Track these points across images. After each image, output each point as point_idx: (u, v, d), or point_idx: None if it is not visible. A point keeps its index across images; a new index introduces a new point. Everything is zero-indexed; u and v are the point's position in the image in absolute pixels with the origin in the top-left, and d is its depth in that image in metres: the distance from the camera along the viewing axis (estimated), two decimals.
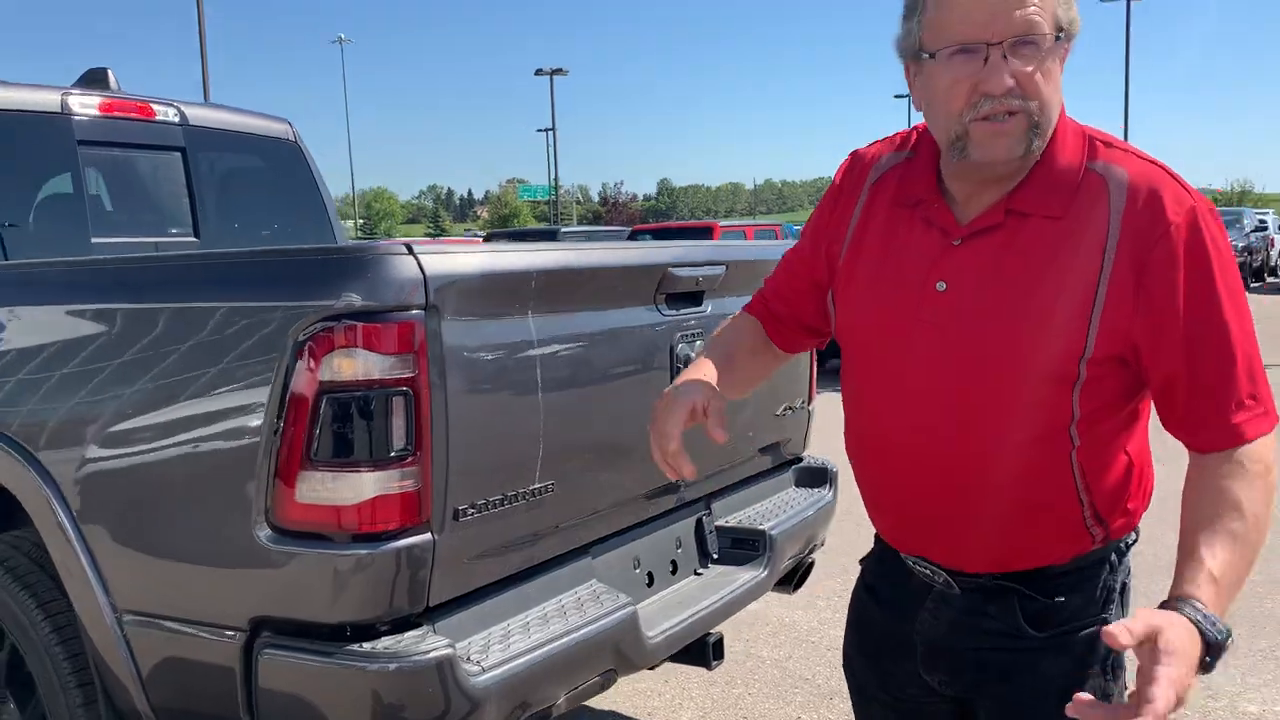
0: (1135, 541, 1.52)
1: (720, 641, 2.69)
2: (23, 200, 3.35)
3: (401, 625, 1.95)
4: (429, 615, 2.00)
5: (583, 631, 2.16)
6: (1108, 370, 1.34)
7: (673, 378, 2.50)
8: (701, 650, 2.64)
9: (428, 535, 1.92)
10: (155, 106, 3.69)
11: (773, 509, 3.05)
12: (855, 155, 1.58)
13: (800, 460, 3.35)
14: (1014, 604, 1.45)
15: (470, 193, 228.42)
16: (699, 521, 2.85)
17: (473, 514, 2.00)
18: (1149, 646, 1.09)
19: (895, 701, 1.63)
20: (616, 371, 2.38)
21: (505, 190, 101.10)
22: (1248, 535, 1.26)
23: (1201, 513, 1.29)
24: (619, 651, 2.27)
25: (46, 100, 3.38)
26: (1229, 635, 1.19)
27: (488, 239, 20.90)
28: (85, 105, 3.46)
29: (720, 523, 2.92)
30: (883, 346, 1.46)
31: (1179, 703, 1.08)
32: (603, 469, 2.36)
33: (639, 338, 2.44)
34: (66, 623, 2.18)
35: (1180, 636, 1.12)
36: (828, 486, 3.29)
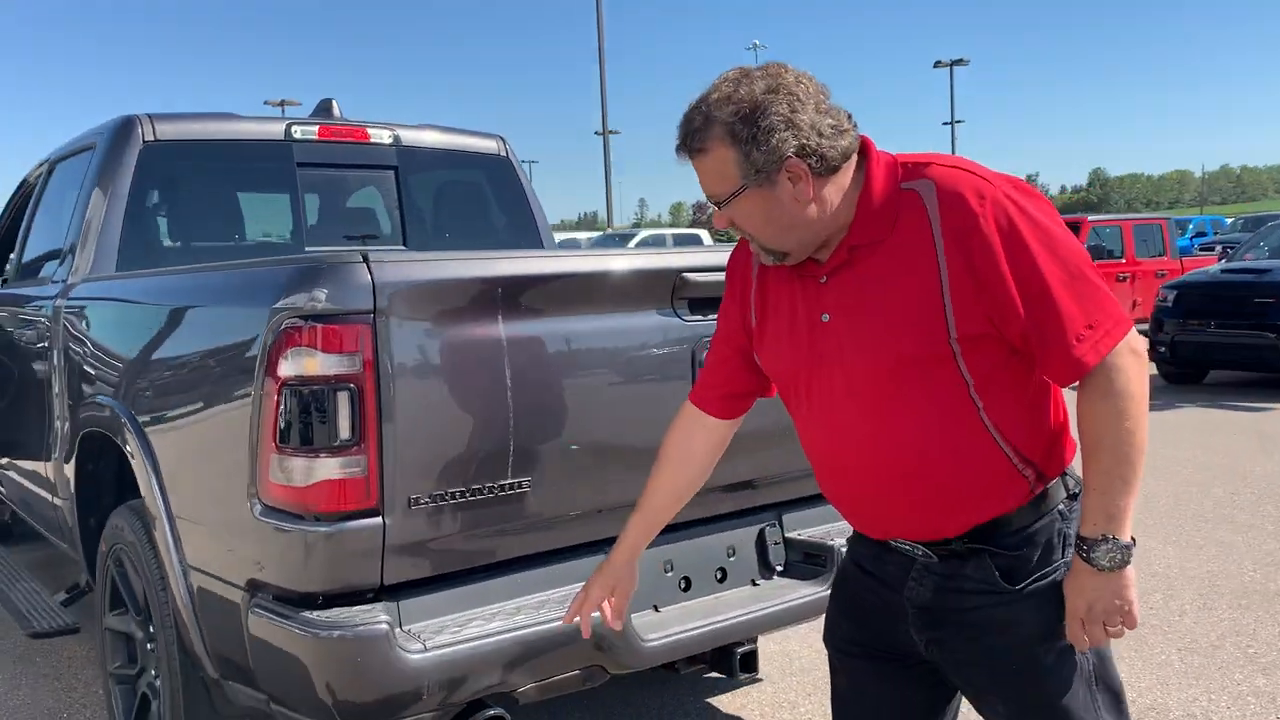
0: (1079, 488, 1.64)
1: (753, 654, 2.64)
2: (245, 216, 3.97)
3: (359, 599, 2.15)
4: (394, 593, 2.19)
5: (547, 627, 2.24)
6: (978, 343, 1.55)
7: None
8: (727, 661, 2.60)
9: (378, 519, 2.11)
10: (371, 131, 4.20)
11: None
12: (739, 244, 1.85)
13: None
14: (986, 561, 1.64)
15: None
16: (761, 532, 2.79)
17: (428, 503, 2.16)
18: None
19: (877, 656, 1.80)
20: (615, 376, 2.42)
21: None
22: (1115, 450, 1.52)
23: (1082, 449, 1.56)
24: (601, 650, 2.32)
25: (273, 130, 3.97)
26: (1094, 544, 1.53)
27: None
28: (306, 132, 4.03)
29: (793, 535, 2.84)
30: (799, 378, 1.71)
31: (1110, 609, 1.54)
32: (603, 470, 2.41)
33: (647, 342, 2.46)
34: (161, 575, 2.62)
35: (1067, 584, 1.58)
36: None
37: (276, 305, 2.12)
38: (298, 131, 4.01)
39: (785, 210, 1.57)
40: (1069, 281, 1.51)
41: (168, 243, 3.78)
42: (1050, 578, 1.63)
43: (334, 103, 4.30)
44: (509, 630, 2.21)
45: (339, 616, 2.10)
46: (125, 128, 3.70)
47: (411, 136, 4.32)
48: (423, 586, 2.23)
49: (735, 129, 1.52)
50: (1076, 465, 1.64)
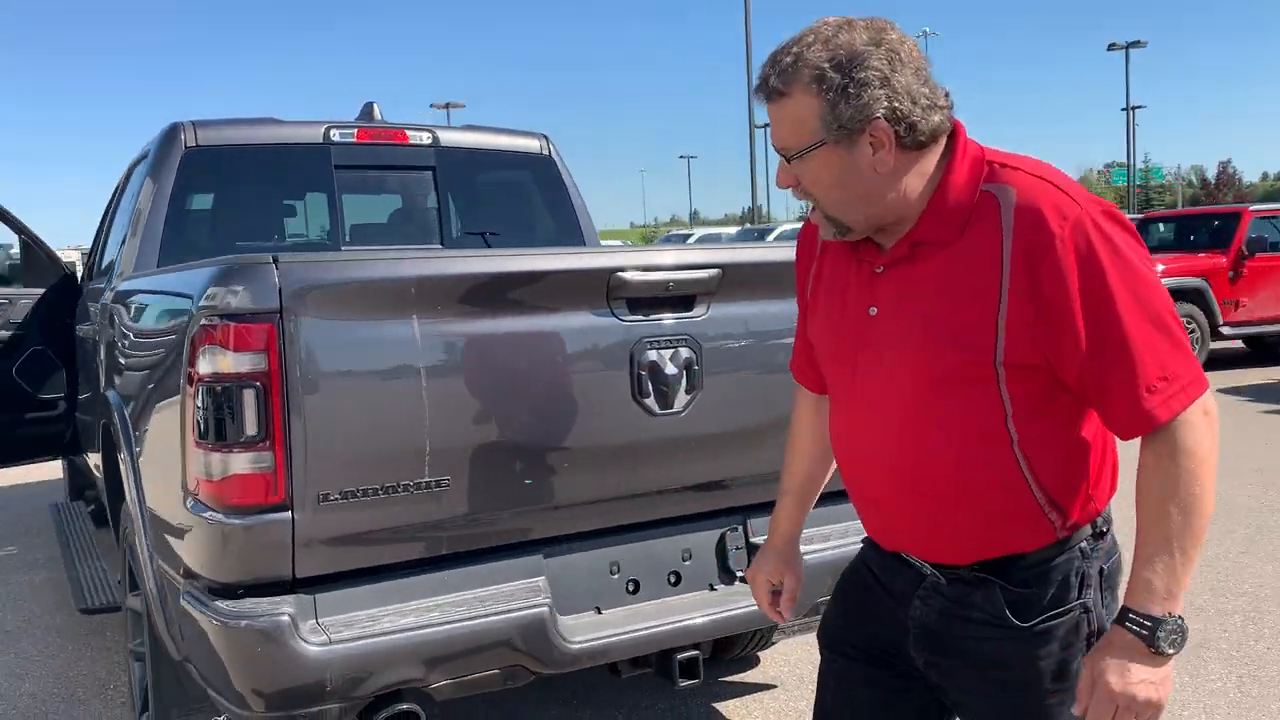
0: (1107, 526, 1.58)
1: (694, 661, 2.57)
2: (284, 218, 4.13)
3: (275, 591, 2.21)
4: (310, 586, 2.24)
5: (459, 625, 2.25)
6: (1028, 371, 1.44)
7: (634, 386, 2.46)
8: (667, 666, 2.55)
9: (286, 514, 2.17)
10: (410, 133, 4.30)
11: (828, 534, 2.80)
12: (807, 224, 1.75)
13: None
14: (996, 594, 1.54)
15: None
16: (723, 536, 2.73)
17: (339, 499, 2.20)
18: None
19: (872, 662, 1.72)
20: (544, 376, 2.40)
21: (1092, 175, 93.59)
22: (1182, 517, 1.39)
23: (1140, 510, 1.42)
24: (519, 650, 2.31)
25: (311, 134, 4.12)
26: (1159, 623, 1.38)
27: None
28: (344, 135, 4.16)
29: (758, 540, 2.76)
30: (840, 366, 1.64)
31: (1151, 701, 1.38)
32: (526, 471, 2.40)
33: (579, 343, 2.43)
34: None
35: (1106, 661, 1.40)
36: None
37: (198, 304, 2.21)
38: (336, 135, 4.14)
39: (860, 177, 1.46)
40: (1147, 325, 1.39)
41: (207, 243, 3.97)
42: (1063, 619, 1.52)
43: (375, 106, 4.43)
44: (419, 627, 2.24)
45: (246, 607, 2.17)
46: (170, 134, 3.91)
47: (451, 137, 4.40)
48: (340, 581, 2.27)
49: (826, 76, 1.40)
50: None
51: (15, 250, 5.33)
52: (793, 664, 3.86)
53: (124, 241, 3.92)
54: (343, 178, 4.18)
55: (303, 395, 2.15)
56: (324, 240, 4.23)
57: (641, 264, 2.45)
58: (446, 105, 46.27)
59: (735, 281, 2.58)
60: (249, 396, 2.12)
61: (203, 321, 2.17)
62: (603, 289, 2.43)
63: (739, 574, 2.72)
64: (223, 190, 4.05)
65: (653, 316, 2.50)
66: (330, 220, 4.20)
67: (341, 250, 4.13)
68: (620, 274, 2.42)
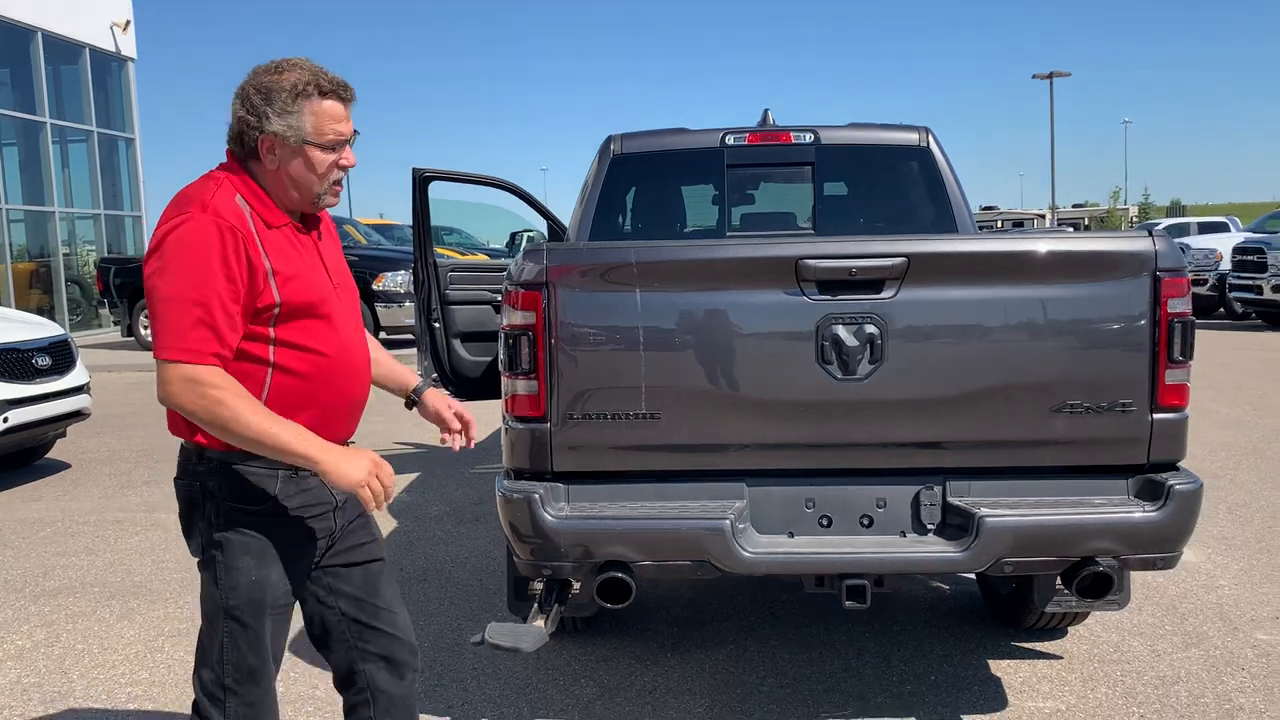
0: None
1: (862, 589, 3.03)
2: (685, 212, 5.07)
3: (538, 478, 3.15)
4: (566, 480, 3.14)
5: (664, 522, 3.01)
6: None
7: (820, 355, 3.00)
8: (851, 590, 3.04)
9: (546, 425, 3.10)
10: (794, 134, 5.00)
11: (1024, 503, 3.06)
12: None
13: (1146, 468, 3.10)
14: None
15: None
16: (918, 493, 3.13)
17: (581, 419, 3.08)
18: None
19: None
20: (733, 341, 3.03)
21: None
22: None
23: None
24: (706, 549, 3.00)
25: (710, 140, 5.01)
26: None
27: None
28: (737, 139, 4.99)
29: (957, 500, 3.11)
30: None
31: None
32: (727, 413, 3.05)
33: (768, 317, 3.02)
34: None
35: None
36: (1159, 502, 3.00)
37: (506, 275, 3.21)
38: (730, 140, 4.99)
39: None
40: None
41: (622, 230, 5.06)
42: None
43: (768, 112, 5.19)
44: (631, 517, 3.04)
45: (518, 485, 3.13)
46: (605, 145, 5.05)
47: (831, 135, 5.01)
48: (585, 479, 3.14)
49: None
50: None
51: (544, 232, 6.96)
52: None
53: (576, 222, 5.15)
54: (733, 175, 5.01)
55: (559, 343, 3.05)
56: (711, 229, 5.11)
57: (823, 253, 2.98)
58: (1050, 75, 44.97)
59: (924, 269, 2.97)
60: (524, 342, 3.07)
61: (508, 287, 3.16)
62: (791, 273, 3.00)
63: (930, 527, 3.12)
64: (639, 187, 5.12)
65: (840, 297, 3.01)
66: (720, 211, 5.06)
67: (725, 236, 4.97)
68: (804, 261, 2.97)
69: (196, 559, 2.32)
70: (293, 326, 2.23)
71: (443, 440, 2.63)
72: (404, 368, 2.70)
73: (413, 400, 2.64)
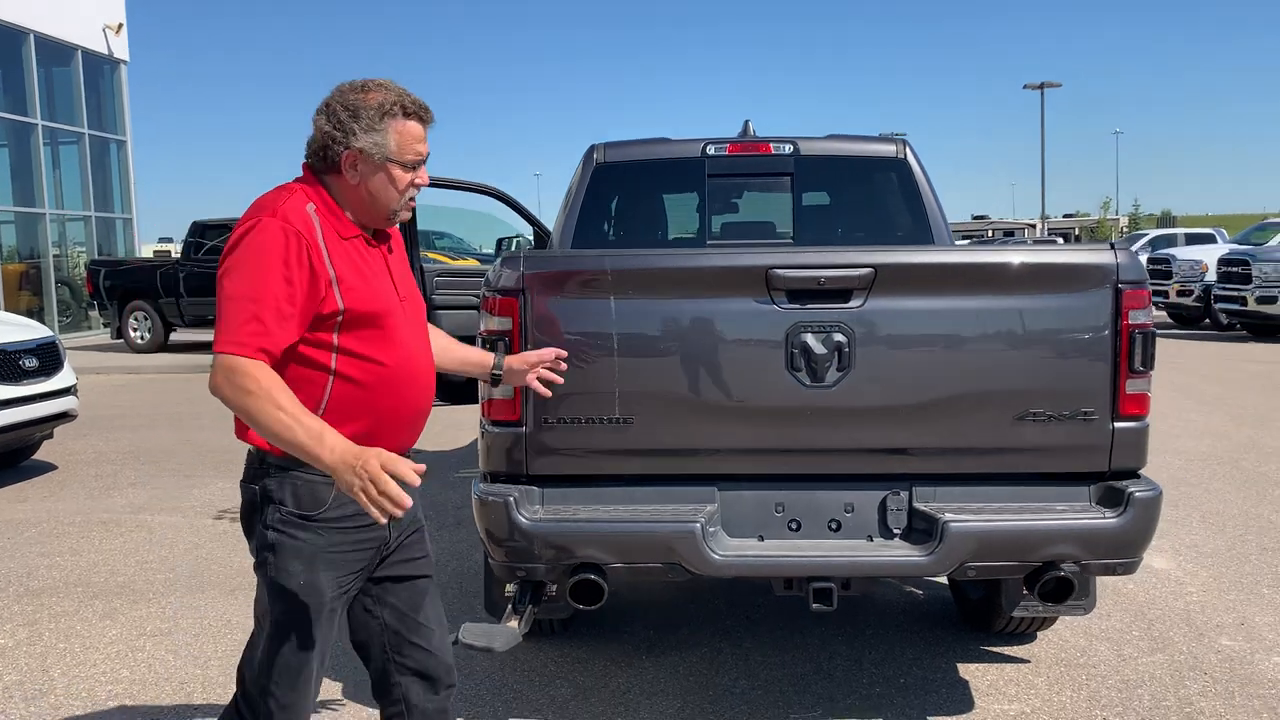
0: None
1: (829, 591, 3.09)
2: (666, 220, 5.15)
3: (513, 481, 3.21)
4: (540, 483, 3.21)
5: (635, 525, 3.08)
6: None
7: (789, 363, 3.07)
8: (817, 593, 3.11)
9: (521, 429, 3.16)
10: (773, 145, 5.07)
11: (988, 508, 3.13)
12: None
13: (1107, 475, 3.17)
14: None
15: None
16: (885, 498, 3.21)
17: (555, 423, 3.14)
18: None
19: None
20: (705, 348, 3.10)
21: None
22: None
23: None
24: (677, 552, 3.07)
25: (691, 150, 5.08)
26: None
27: None
28: (717, 150, 5.06)
29: (922, 506, 3.19)
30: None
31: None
32: (699, 419, 3.12)
33: (739, 325, 3.09)
34: None
35: None
36: (1118, 509, 3.07)
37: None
38: (711, 150, 5.06)
39: None
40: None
41: (604, 236, 5.12)
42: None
43: (749, 123, 5.26)
44: (604, 521, 3.10)
45: (493, 488, 3.19)
46: (588, 154, 5.12)
47: (810, 146, 5.08)
48: (559, 482, 3.21)
49: None
50: None
51: (529, 238, 7.02)
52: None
53: (560, 229, 5.22)
54: (714, 184, 5.09)
55: (535, 348, 3.11)
56: (692, 236, 5.18)
57: (793, 263, 3.05)
58: (1041, 85, 45.35)
59: (890, 279, 3.04)
60: (501, 347, 3.14)
61: (484, 294, 3.23)
62: (762, 282, 3.07)
63: (896, 532, 3.19)
64: (622, 196, 5.19)
65: (810, 306, 3.08)
66: (700, 220, 5.14)
67: (706, 244, 5.04)
68: (774, 270, 3.04)
69: (253, 560, 2.38)
70: (356, 335, 2.28)
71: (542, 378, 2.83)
72: (480, 351, 2.89)
73: (497, 376, 2.81)
